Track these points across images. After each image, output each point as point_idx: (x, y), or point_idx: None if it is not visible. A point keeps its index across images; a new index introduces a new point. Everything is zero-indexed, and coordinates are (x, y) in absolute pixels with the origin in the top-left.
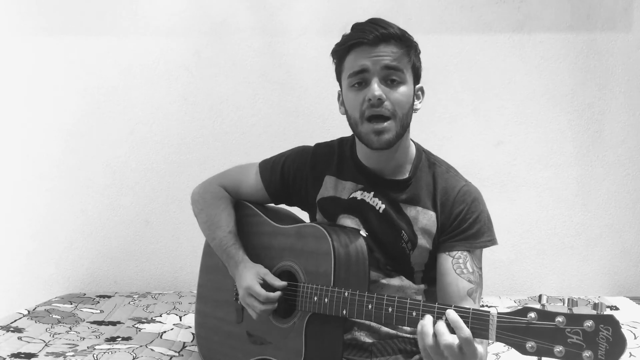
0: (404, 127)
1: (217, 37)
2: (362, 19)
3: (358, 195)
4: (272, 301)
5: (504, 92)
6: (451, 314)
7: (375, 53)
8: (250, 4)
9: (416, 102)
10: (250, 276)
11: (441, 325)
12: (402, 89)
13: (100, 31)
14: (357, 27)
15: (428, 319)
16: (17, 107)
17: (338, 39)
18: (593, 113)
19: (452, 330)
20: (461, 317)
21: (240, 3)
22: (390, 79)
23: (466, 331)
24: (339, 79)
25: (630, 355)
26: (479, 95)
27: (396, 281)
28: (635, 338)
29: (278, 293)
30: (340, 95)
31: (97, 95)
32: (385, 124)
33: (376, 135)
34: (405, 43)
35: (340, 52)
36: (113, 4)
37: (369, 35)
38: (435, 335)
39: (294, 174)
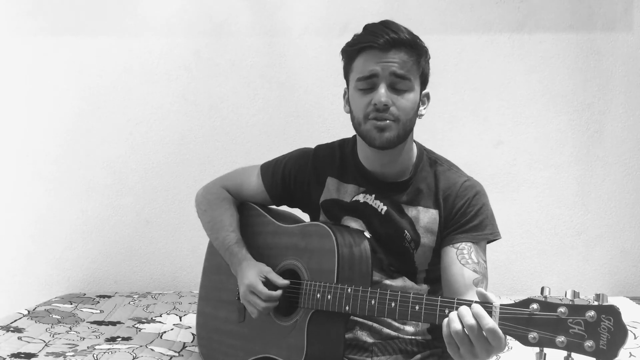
0: (407, 132)
1: (217, 37)
2: (362, 19)
3: (360, 198)
4: (273, 299)
5: (504, 92)
6: (475, 307)
7: (385, 59)
8: (250, 4)
9: (421, 107)
10: (253, 274)
11: (464, 308)
12: (409, 96)
13: (100, 31)
14: (368, 28)
15: (455, 312)
16: (17, 107)
17: (338, 39)
18: (593, 113)
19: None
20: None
21: (240, 3)
22: (398, 86)
23: (490, 321)
24: (346, 77)
25: (630, 355)
26: (479, 95)
27: (399, 282)
28: (635, 338)
29: (280, 292)
30: (346, 92)
31: (97, 95)
32: (388, 121)
33: (378, 131)
34: (417, 51)
35: (350, 53)
36: (113, 4)
37: (380, 39)
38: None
39: (294, 176)
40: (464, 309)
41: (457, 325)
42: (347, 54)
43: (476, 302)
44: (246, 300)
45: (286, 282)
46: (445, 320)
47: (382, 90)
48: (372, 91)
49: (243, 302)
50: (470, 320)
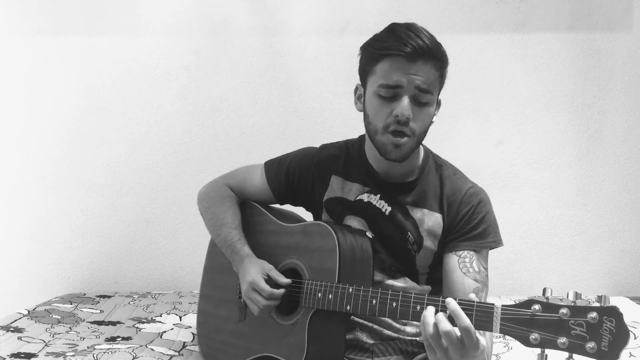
0: (419, 143)
1: (217, 37)
2: (362, 19)
3: (365, 197)
4: (275, 297)
5: (504, 92)
6: (451, 303)
7: (412, 71)
8: (250, 4)
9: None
10: (255, 271)
11: (441, 314)
12: (429, 109)
13: (100, 31)
14: (394, 31)
15: (430, 309)
16: (17, 107)
17: (338, 39)
18: (593, 113)
19: (453, 322)
20: (465, 309)
21: (240, 3)
22: (420, 100)
23: (465, 320)
24: (363, 76)
25: (630, 355)
26: (479, 95)
27: (400, 282)
28: (635, 338)
29: (282, 290)
30: (358, 89)
31: (97, 95)
32: (405, 139)
33: (395, 148)
34: (441, 62)
35: (373, 54)
36: (113, 4)
37: (407, 47)
38: (435, 324)
39: (299, 174)
40: (439, 315)
41: (430, 329)
42: (369, 54)
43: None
44: (248, 297)
45: (288, 280)
46: (422, 322)
47: (405, 103)
48: (393, 100)
49: (245, 300)
50: (446, 327)
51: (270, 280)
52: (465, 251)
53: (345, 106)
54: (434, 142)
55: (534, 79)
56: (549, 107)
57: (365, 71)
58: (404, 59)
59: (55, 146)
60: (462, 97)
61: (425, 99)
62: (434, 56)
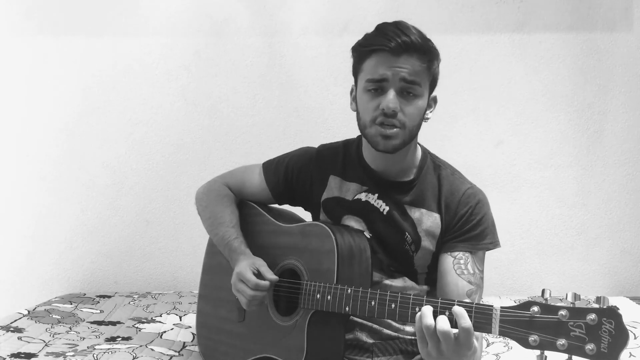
0: (412, 137)
1: (217, 37)
2: (362, 19)
3: (362, 196)
4: (261, 288)
5: (504, 92)
6: (457, 308)
7: (396, 64)
8: (250, 4)
9: (427, 111)
10: (244, 264)
11: (443, 316)
12: (417, 102)
13: (100, 31)
14: (381, 29)
15: (429, 307)
16: (17, 107)
17: (338, 39)
18: (593, 113)
19: (452, 324)
20: (465, 310)
21: (240, 3)
22: (407, 92)
23: (468, 321)
24: (355, 75)
25: (630, 355)
26: (479, 95)
27: (399, 282)
28: (635, 338)
29: (267, 282)
30: (353, 90)
31: (97, 95)
32: (394, 130)
33: (383, 138)
34: (429, 56)
35: (361, 52)
36: (113, 4)
37: (392, 42)
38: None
39: (297, 174)
40: (441, 317)
41: (427, 321)
42: (357, 53)
43: (470, 304)
44: (235, 289)
45: (275, 277)
46: (418, 314)
47: (391, 96)
48: (380, 94)
49: (233, 292)
50: (444, 327)
51: (259, 276)
52: (461, 252)
53: (345, 106)
54: (433, 142)
55: (534, 79)
56: (549, 107)
57: (355, 70)
58: (388, 54)
59: (55, 146)
60: (462, 97)
61: (413, 90)
62: (418, 50)
